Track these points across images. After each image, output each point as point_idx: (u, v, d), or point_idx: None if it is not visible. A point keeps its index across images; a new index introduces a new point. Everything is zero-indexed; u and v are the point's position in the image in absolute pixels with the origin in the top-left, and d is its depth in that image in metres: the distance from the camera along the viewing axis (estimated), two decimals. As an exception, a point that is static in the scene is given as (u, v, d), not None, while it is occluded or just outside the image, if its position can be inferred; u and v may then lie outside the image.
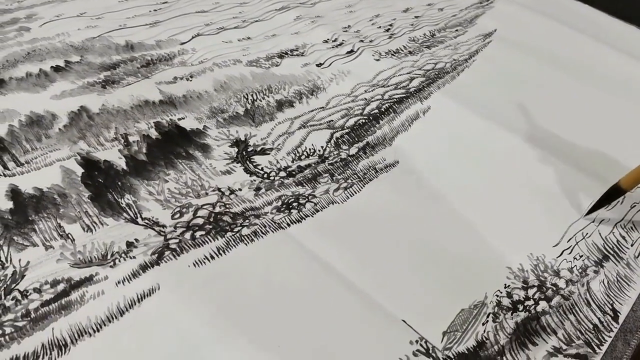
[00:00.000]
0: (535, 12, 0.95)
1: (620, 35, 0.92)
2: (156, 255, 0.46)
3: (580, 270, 0.53)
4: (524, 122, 0.70)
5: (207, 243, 0.48)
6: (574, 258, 0.54)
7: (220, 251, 0.47)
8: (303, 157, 0.59)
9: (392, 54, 0.77)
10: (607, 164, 0.65)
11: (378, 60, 0.75)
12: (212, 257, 0.47)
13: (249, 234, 0.49)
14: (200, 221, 0.49)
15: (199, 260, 0.46)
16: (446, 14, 0.90)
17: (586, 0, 1.00)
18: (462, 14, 0.91)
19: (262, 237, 0.49)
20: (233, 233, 0.49)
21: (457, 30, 0.86)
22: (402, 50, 0.79)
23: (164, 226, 0.48)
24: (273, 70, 0.69)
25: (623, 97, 0.77)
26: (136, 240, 0.47)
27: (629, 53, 0.87)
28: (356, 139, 0.62)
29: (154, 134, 0.57)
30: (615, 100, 0.77)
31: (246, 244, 0.48)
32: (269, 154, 0.58)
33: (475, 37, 0.86)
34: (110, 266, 0.44)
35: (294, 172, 0.57)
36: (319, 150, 0.60)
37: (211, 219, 0.50)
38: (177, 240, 0.47)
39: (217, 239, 0.48)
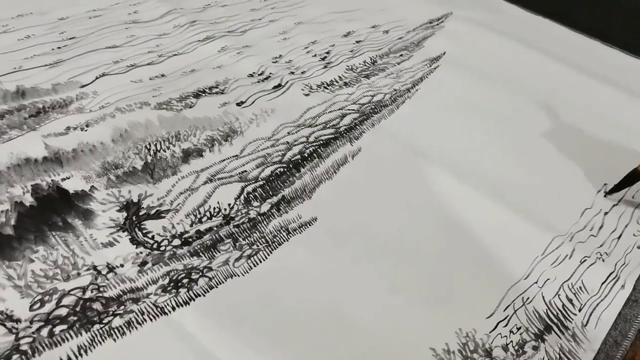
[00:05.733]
0: (492, 30, 0.87)
1: (586, 53, 0.85)
2: (0, 361, 0.38)
3: (516, 347, 0.46)
4: (470, 161, 0.62)
5: (67, 341, 0.40)
6: (510, 331, 0.47)
7: (82, 351, 0.40)
8: (204, 219, 0.51)
9: (325, 87, 0.70)
10: (560, 211, 0.58)
11: (308, 95, 0.68)
12: (70, 360, 0.39)
13: (120, 326, 0.42)
14: (63, 312, 0.42)
15: (53, 365, 0.39)
16: (391, 37, 0.83)
17: (552, 14, 0.93)
18: (409, 36, 0.84)
19: (136, 328, 0.42)
20: (101, 325, 0.41)
21: (401, 55, 0.79)
22: (337, 82, 0.71)
23: (18, 321, 0.41)
24: (185, 113, 0.62)
25: (589, 124, 0.70)
26: (-21, 342, 0.39)
27: (594, 73, 0.80)
28: (270, 193, 0.55)
29: (28, 200, 0.49)
30: (580, 130, 0.69)
31: (115, 339, 0.41)
32: (164, 217, 0.51)
33: (421, 62, 0.79)
34: (-61, 381, 0.37)
35: (190, 239, 0.49)
36: (225, 210, 0.52)
37: (77, 308, 0.42)
38: (30, 340, 0.40)
39: (80, 335, 0.41)
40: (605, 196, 0.60)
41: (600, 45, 0.89)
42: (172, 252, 0.48)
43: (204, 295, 0.45)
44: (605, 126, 0.70)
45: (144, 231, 0.49)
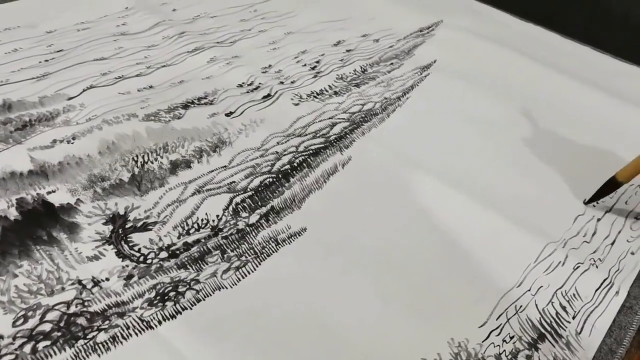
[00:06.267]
0: (483, 38, 0.87)
1: (577, 59, 0.85)
2: (-20, 380, 0.37)
3: (509, 357, 0.45)
4: (462, 169, 0.62)
5: (50, 357, 0.39)
6: (503, 340, 0.46)
7: (65, 367, 0.39)
8: (192, 230, 0.50)
9: (314, 96, 0.70)
10: (552, 217, 0.57)
11: (297, 104, 0.68)
12: (53, 377, 0.38)
13: (105, 341, 0.41)
14: (47, 327, 0.41)
15: (35, 383, 0.38)
16: (382, 46, 0.83)
17: (543, 21, 0.93)
18: (400, 44, 0.84)
19: (121, 343, 0.41)
20: (86, 341, 0.41)
21: (392, 63, 0.79)
22: (327, 91, 0.71)
23: (0, 337, 0.40)
24: (173, 124, 0.61)
25: (581, 130, 0.70)
26: (-41, 360, 0.38)
27: (586, 79, 0.79)
28: (259, 204, 0.54)
29: (13, 214, 0.48)
30: (572, 136, 0.69)
31: (99, 355, 0.40)
32: (151, 229, 0.50)
33: (412, 70, 0.78)
34: None
35: (178, 252, 0.49)
36: (213, 221, 0.52)
37: (62, 324, 0.42)
38: (12, 357, 0.39)
39: (64, 351, 0.40)
40: (585, 204, 0.59)
41: (591, 51, 0.89)
42: (158, 265, 0.47)
43: (191, 309, 0.44)
44: (597, 132, 0.70)
45: (130, 244, 0.48)
